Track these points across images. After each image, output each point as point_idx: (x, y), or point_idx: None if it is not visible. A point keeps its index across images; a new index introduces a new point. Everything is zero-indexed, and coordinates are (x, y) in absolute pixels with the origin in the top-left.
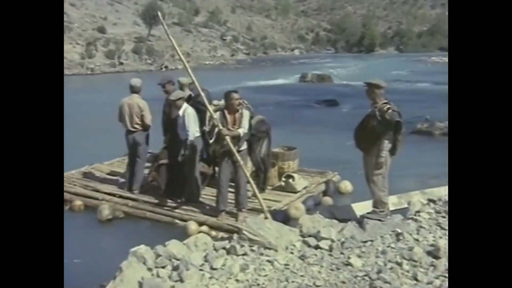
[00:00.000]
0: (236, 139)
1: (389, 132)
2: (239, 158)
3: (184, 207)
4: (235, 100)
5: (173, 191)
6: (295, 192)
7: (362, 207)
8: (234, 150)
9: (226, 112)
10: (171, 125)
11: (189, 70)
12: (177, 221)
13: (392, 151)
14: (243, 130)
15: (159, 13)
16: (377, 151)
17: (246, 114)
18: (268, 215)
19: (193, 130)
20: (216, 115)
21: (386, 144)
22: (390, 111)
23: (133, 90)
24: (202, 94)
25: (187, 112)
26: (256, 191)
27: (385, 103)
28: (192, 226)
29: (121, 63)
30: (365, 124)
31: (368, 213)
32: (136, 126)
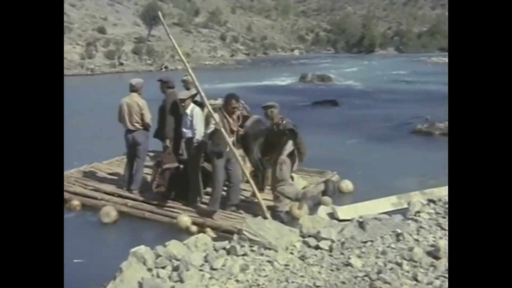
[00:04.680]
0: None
1: (288, 141)
2: (237, 154)
3: (184, 207)
4: (231, 107)
5: (179, 193)
6: None
7: (345, 211)
8: (234, 148)
9: (225, 113)
10: (177, 125)
11: (190, 69)
12: (175, 221)
13: (300, 157)
14: None
15: (160, 13)
16: (278, 156)
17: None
18: (268, 215)
19: (200, 129)
20: (216, 116)
21: (288, 146)
22: (283, 122)
23: (133, 89)
24: (202, 94)
25: (195, 111)
26: (256, 190)
27: (281, 118)
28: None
29: (121, 64)
30: (267, 141)
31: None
32: (136, 124)
